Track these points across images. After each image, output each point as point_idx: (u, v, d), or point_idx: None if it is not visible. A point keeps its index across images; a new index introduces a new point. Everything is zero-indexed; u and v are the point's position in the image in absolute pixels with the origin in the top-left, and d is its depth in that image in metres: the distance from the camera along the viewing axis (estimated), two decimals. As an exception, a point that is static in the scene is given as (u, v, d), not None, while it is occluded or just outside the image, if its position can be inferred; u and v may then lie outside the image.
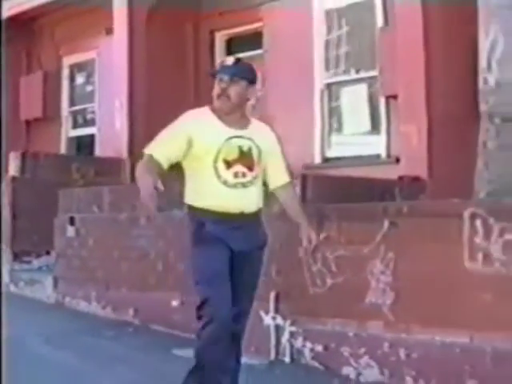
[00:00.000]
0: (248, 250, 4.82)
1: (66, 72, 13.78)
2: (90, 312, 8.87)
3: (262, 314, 6.93)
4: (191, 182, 4.81)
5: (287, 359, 6.83)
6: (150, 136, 10.50)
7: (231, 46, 11.47)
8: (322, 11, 9.93)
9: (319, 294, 6.65)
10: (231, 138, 4.72)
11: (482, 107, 6.29)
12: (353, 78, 9.79)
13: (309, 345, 6.71)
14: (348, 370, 6.39)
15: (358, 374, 6.32)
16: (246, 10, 10.62)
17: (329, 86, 9.96)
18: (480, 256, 5.64)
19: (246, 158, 4.74)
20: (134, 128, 10.79)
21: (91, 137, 13.15)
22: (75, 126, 13.75)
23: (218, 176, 4.67)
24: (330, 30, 9.92)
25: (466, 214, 5.71)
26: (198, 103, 10.89)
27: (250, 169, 4.76)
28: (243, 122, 4.87)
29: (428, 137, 8.56)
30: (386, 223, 6.16)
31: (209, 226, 4.70)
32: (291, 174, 5.22)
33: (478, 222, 5.65)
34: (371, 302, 6.24)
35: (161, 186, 4.44)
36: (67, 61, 13.76)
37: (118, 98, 11.08)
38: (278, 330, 6.91)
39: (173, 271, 7.90)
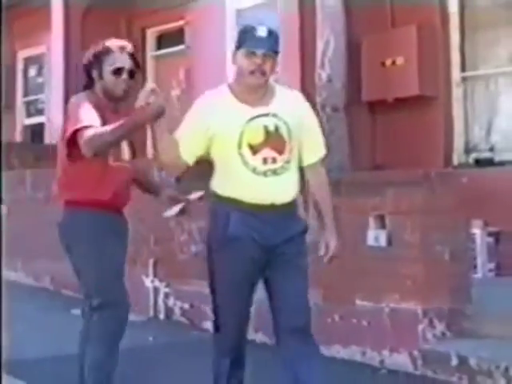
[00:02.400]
0: (282, 241, 4.08)
1: (20, 65, 14.86)
2: (17, 280, 9.97)
3: (144, 277, 8.04)
4: (218, 168, 4.14)
5: (162, 316, 7.95)
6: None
7: (161, 41, 12.51)
8: (234, 10, 10.96)
9: (186, 259, 7.76)
10: (254, 117, 4.04)
11: (317, 99, 7.37)
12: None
13: (179, 303, 7.83)
14: (207, 324, 7.48)
15: (215, 327, 7.43)
16: (173, 9, 11.65)
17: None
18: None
19: (274, 140, 4.03)
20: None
21: (42, 125, 14.23)
22: (29, 115, 14.84)
23: (245, 163, 4.01)
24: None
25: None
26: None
27: (281, 152, 4.04)
28: (267, 96, 4.13)
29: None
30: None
31: (233, 224, 4.01)
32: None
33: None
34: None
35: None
36: (22, 55, 14.83)
37: (56, 90, 12.14)
38: (156, 291, 8.01)
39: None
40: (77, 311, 7.88)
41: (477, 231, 8.32)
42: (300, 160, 4.20)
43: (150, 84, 4.20)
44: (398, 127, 9.04)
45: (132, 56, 4.63)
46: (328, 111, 7.13)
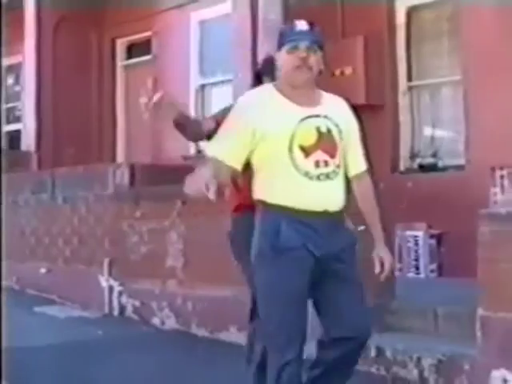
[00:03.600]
0: (335, 252, 3.83)
1: (-1, 73, 15.26)
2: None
3: (100, 276, 8.49)
4: (263, 174, 3.85)
5: (116, 313, 8.39)
6: (56, 133, 11.99)
7: (131, 51, 12.95)
8: (197, 22, 11.42)
9: (137, 259, 8.20)
10: (306, 118, 3.81)
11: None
12: (220, 79, 11.26)
13: (131, 301, 8.26)
14: (155, 320, 7.94)
15: (162, 323, 7.88)
16: (141, 20, 12.08)
17: (202, 86, 11.47)
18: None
19: (326, 142, 3.82)
20: (41, 126, 12.20)
21: (19, 132, 14.62)
22: (8, 122, 15.24)
23: (297, 168, 3.75)
24: (202, 38, 11.39)
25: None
26: (100, 105, 12.52)
27: (332, 155, 3.82)
28: (316, 97, 3.95)
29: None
30: (179, 203, 7.71)
31: (284, 233, 3.75)
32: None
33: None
34: (169, 265, 7.78)
35: (212, 195, 3.60)
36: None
37: (28, 98, 12.57)
38: (111, 289, 8.45)
39: (41, 244, 9.50)
40: (39, 309, 8.40)
41: (420, 233, 8.75)
42: (347, 170, 3.98)
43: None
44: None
45: None
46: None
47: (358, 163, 4.02)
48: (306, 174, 3.75)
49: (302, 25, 3.87)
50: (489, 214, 5.62)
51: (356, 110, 4.23)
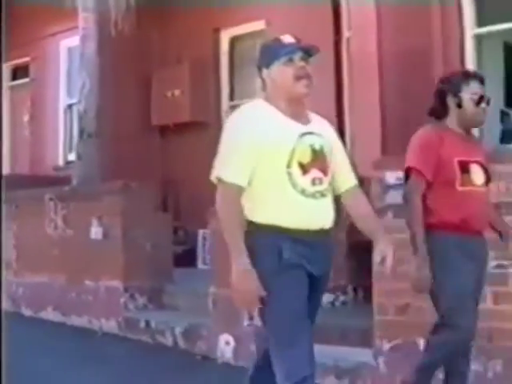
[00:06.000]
0: (327, 270, 3.84)
1: None
2: None
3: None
4: (258, 194, 3.67)
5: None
6: None
7: (16, 73, 14.39)
8: (66, 48, 12.93)
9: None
10: (303, 134, 3.70)
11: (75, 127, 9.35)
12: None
13: None
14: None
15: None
16: (23, 47, 13.51)
17: (70, 106, 12.99)
18: (52, 225, 8.74)
19: (320, 160, 3.72)
20: None
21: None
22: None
23: (294, 184, 3.63)
24: (71, 62, 12.84)
25: (46, 198, 8.81)
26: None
27: (325, 173, 3.74)
28: (306, 115, 3.83)
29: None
30: (14, 205, 9.24)
31: (286, 252, 3.62)
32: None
33: (51, 203, 8.75)
34: (6, 258, 9.25)
35: (262, 292, 3.55)
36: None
37: None
38: None
39: None
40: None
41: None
42: (336, 187, 3.91)
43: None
44: (179, 148, 11.00)
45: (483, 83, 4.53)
46: (84, 136, 9.10)
47: (349, 178, 3.96)
48: (303, 192, 3.64)
49: (288, 38, 3.78)
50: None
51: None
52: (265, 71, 3.79)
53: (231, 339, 6.89)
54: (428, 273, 4.29)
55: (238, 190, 3.61)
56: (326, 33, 9.18)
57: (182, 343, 7.42)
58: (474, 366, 4.99)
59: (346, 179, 3.94)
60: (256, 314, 4.28)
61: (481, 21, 7.36)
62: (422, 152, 4.38)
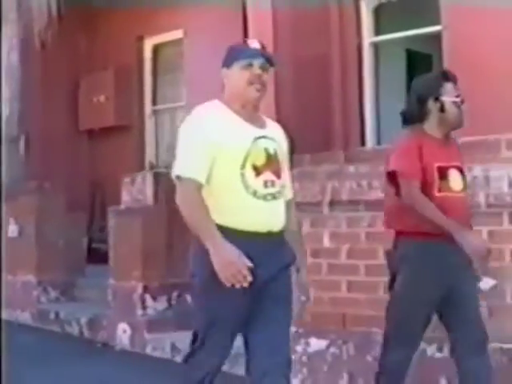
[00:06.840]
0: (276, 272, 3.79)
1: None
2: None
3: None
4: (214, 194, 3.72)
5: None
6: None
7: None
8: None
9: None
10: (258, 137, 3.78)
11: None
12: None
13: None
14: None
15: None
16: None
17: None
18: None
19: (273, 163, 3.80)
20: None
21: None
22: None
23: (246, 186, 3.69)
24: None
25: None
26: None
27: (278, 176, 3.81)
28: (260, 119, 3.92)
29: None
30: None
31: None
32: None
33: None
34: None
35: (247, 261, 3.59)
36: None
37: None
38: None
39: None
40: None
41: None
42: (286, 193, 3.95)
43: None
44: (105, 151, 11.50)
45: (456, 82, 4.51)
46: (8, 141, 9.62)
47: (289, 191, 4.01)
48: (254, 194, 3.69)
49: (254, 43, 3.86)
50: (116, 210, 7.78)
51: None
52: (225, 71, 3.87)
53: (128, 328, 7.47)
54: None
55: (197, 186, 3.64)
56: (236, 41, 9.70)
57: (86, 332, 8.01)
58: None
59: (288, 191, 3.98)
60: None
61: (381, 29, 7.63)
62: (406, 157, 4.36)
